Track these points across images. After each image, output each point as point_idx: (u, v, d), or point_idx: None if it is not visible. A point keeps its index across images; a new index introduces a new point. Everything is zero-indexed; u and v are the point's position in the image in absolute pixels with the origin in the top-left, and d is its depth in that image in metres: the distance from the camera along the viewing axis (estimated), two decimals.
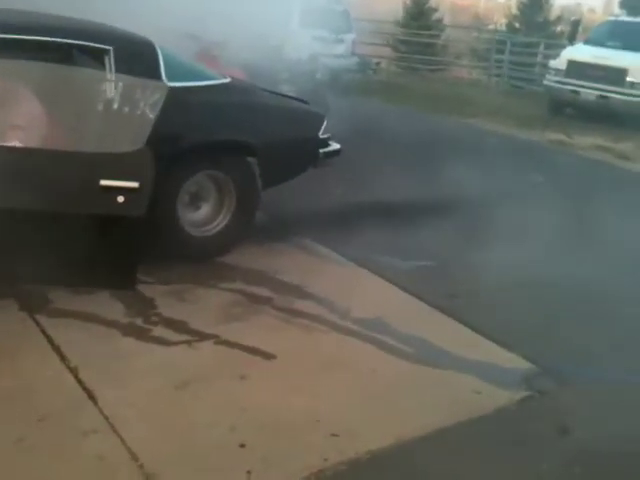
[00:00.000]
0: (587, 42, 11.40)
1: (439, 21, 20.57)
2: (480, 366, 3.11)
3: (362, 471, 2.36)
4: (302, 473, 2.28)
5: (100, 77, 2.98)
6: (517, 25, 19.15)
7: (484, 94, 14.19)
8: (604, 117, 10.17)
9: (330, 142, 4.45)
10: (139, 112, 2.85)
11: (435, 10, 20.76)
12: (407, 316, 3.55)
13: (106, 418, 2.46)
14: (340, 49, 12.55)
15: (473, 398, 2.86)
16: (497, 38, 16.71)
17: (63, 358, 2.81)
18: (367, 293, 3.81)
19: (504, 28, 19.88)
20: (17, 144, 2.77)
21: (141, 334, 3.10)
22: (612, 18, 12.12)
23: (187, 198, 3.90)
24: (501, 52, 15.65)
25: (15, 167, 2.62)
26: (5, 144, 2.72)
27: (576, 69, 10.80)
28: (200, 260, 3.89)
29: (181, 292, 3.55)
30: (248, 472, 2.27)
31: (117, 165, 2.69)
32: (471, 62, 18.94)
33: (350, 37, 13.08)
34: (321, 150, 4.35)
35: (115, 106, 2.90)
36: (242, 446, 2.40)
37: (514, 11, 19.70)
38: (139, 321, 3.21)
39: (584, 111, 10.85)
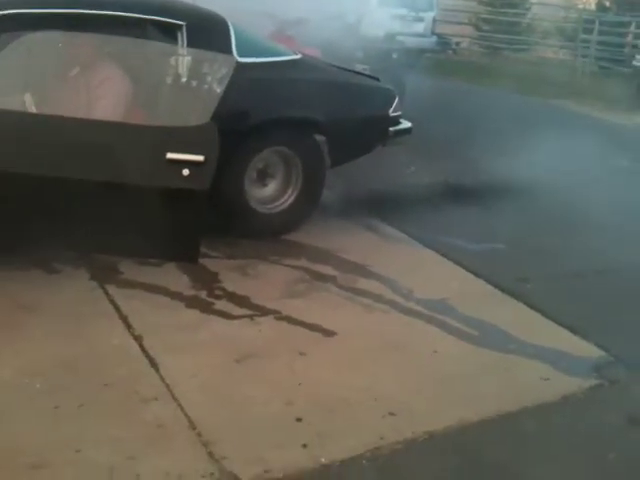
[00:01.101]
0: None
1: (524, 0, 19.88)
2: (548, 352, 2.99)
3: (419, 451, 2.31)
4: (358, 450, 2.26)
5: (170, 51, 3.01)
6: (607, 4, 18.24)
7: (570, 75, 13.64)
8: None
9: (401, 120, 4.37)
10: (206, 86, 2.87)
11: None
12: (473, 299, 3.45)
13: (167, 386, 2.51)
14: (419, 28, 12.30)
15: (540, 384, 2.75)
16: (585, 17, 15.91)
17: (129, 327, 2.89)
18: (432, 274, 3.74)
19: (593, 7, 18.99)
20: (90, 117, 2.85)
21: (205, 307, 3.15)
22: None
23: (254, 174, 3.92)
24: (589, 32, 14.94)
25: (87, 139, 2.70)
26: (78, 116, 2.80)
27: None
28: (265, 237, 3.90)
29: (245, 267, 3.58)
30: (304, 445, 2.26)
31: (183, 138, 2.72)
32: (557, 42, 18.15)
33: (430, 15, 12.78)
34: (391, 128, 4.28)
35: (183, 80, 2.93)
36: (298, 420, 2.40)
37: None
38: (203, 294, 3.26)
39: None
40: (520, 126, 7.27)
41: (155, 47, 3.05)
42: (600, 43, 14.65)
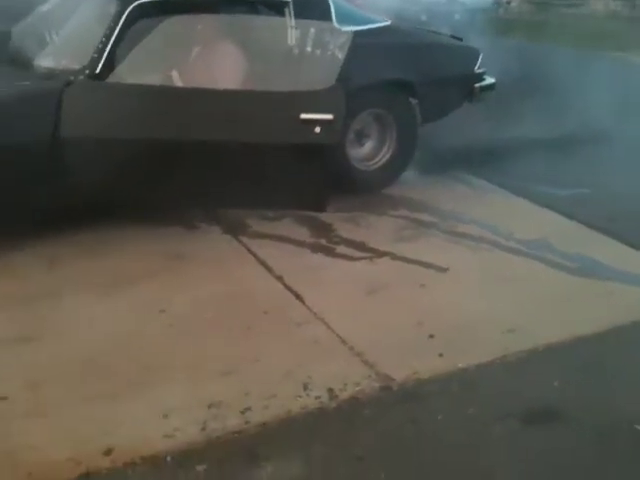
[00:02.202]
0: None
1: None
2: None
3: (541, 359, 2.67)
4: (488, 357, 2.64)
5: (293, 25, 3.38)
6: None
7: (627, 27, 13.44)
8: None
9: (485, 77, 4.65)
10: (330, 54, 3.24)
11: None
12: (568, 237, 3.75)
13: (314, 313, 2.93)
14: None
15: (639, 306, 3.07)
16: None
17: (269, 269, 3.31)
18: (527, 217, 4.05)
19: None
20: (232, 87, 3.26)
21: (328, 251, 3.55)
22: None
23: (353, 135, 4.28)
24: None
25: (231, 106, 3.11)
26: (222, 88, 3.21)
27: None
28: (366, 192, 4.26)
29: (354, 218, 3.95)
30: (440, 355, 2.65)
31: (314, 100, 3.10)
32: None
33: None
34: (477, 85, 4.57)
35: (310, 49, 3.30)
36: (431, 336, 2.78)
37: None
38: (323, 241, 3.66)
39: None
40: (587, 81, 7.40)
41: (280, 22, 3.42)
42: None
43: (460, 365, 2.59)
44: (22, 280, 3.15)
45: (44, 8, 3.89)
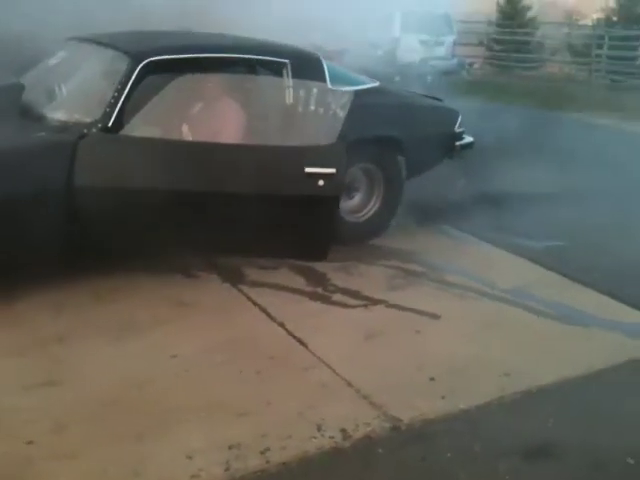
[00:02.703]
0: None
1: (532, 19, 20.64)
2: (623, 327, 3.52)
3: (535, 400, 2.85)
4: (486, 398, 2.81)
5: (302, 85, 3.62)
6: (615, 18, 18.93)
7: (584, 89, 14.23)
8: None
9: (464, 135, 4.95)
10: (332, 112, 3.47)
11: (529, 8, 20.82)
12: (548, 287, 4.00)
13: (318, 358, 3.07)
14: (440, 51, 13.00)
15: (620, 350, 3.29)
16: (596, 33, 16.58)
17: (270, 316, 3.45)
18: (508, 268, 4.29)
19: (594, 22, 19.68)
20: (239, 142, 3.45)
21: (325, 299, 3.71)
22: None
23: None
24: (599, 47, 15.60)
25: (238, 159, 3.30)
26: (228, 142, 3.40)
27: None
28: (355, 242, 4.45)
29: (347, 268, 4.13)
30: (442, 397, 2.81)
31: (318, 155, 3.31)
32: (567, 58, 18.79)
33: (450, 39, 13.49)
34: (457, 143, 4.87)
35: (314, 108, 3.53)
36: (432, 379, 2.95)
37: (611, 4, 19.48)
38: (320, 289, 3.82)
39: None
40: (550, 139, 7.88)
41: (285, 82, 3.65)
42: (610, 57, 15.30)
43: (462, 406, 2.76)
44: (31, 327, 3.21)
45: (52, 61, 4.05)
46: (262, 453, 2.41)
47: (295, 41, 5.90)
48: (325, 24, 9.14)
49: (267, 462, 2.38)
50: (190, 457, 2.37)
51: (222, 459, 2.37)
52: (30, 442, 2.40)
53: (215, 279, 3.86)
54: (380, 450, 2.48)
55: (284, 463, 2.38)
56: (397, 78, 8.63)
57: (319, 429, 2.56)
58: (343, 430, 2.56)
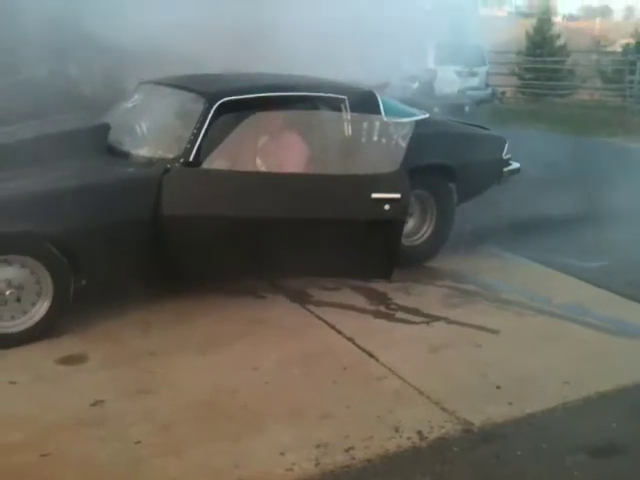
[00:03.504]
0: None
1: (562, 47, 20.91)
2: None
3: (596, 405, 3.03)
4: (550, 404, 3.00)
5: (363, 119, 3.93)
6: None
7: (618, 115, 14.34)
8: None
9: (511, 162, 5.19)
10: (394, 142, 3.75)
11: (558, 37, 21.12)
12: (600, 303, 4.18)
13: (389, 369, 3.30)
14: (475, 81, 13.29)
15: None
16: (628, 59, 16.73)
17: (339, 332, 3.69)
18: (560, 286, 4.48)
19: (623, 48, 19.84)
20: (309, 171, 3.76)
21: (388, 316, 3.95)
22: None
23: None
24: (632, 72, 15.73)
25: (310, 187, 3.59)
26: (299, 172, 3.71)
27: None
28: (410, 264, 4.69)
29: (405, 288, 4.36)
30: (509, 403, 3.01)
31: (383, 182, 3.59)
32: (598, 85, 18.93)
33: (484, 69, 13.78)
34: (504, 169, 5.11)
35: (378, 139, 3.82)
36: (498, 387, 3.15)
37: None
38: (382, 308, 4.06)
39: None
40: (589, 163, 8.04)
41: (349, 117, 3.97)
42: None
43: (528, 411, 2.96)
44: (122, 343, 3.51)
45: (129, 103, 4.42)
46: (347, 451, 2.65)
47: (335, 76, 6.27)
48: (362, 59, 9.54)
49: (352, 459, 2.60)
50: (282, 454, 2.62)
51: (312, 455, 2.61)
52: (138, 442, 2.67)
53: (282, 299, 4.13)
54: (455, 449, 2.69)
55: (368, 460, 2.61)
56: (436, 109, 8.89)
57: (397, 430, 2.79)
58: (419, 432, 2.78)
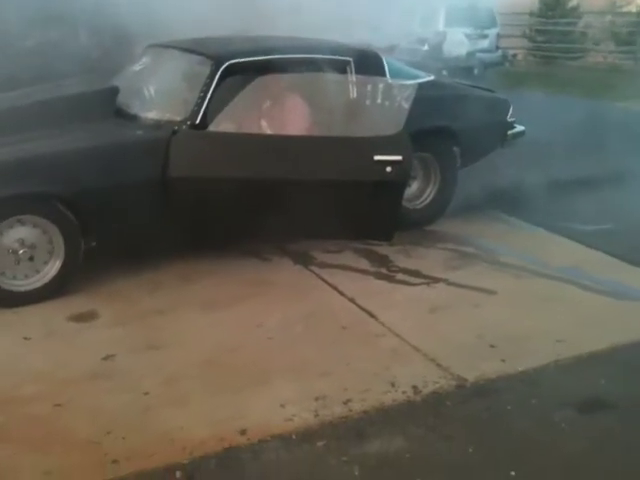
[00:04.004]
0: None
1: (574, 8, 20.55)
2: None
3: (588, 363, 3.14)
4: (543, 362, 3.11)
5: (367, 81, 3.97)
6: None
7: (630, 78, 14.16)
8: None
9: (515, 125, 5.22)
10: (396, 104, 3.80)
11: None
12: (598, 265, 4.26)
13: (388, 328, 3.41)
14: (485, 44, 13.17)
15: None
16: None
17: (341, 293, 3.80)
18: (560, 249, 4.56)
19: (639, 9, 19.46)
20: (312, 134, 3.82)
21: (389, 278, 4.05)
22: None
23: None
24: None
25: (314, 149, 3.67)
26: (303, 134, 3.78)
27: None
28: (414, 228, 4.77)
29: (407, 251, 4.46)
30: (502, 360, 3.13)
31: (386, 144, 3.65)
32: (611, 47, 18.63)
33: (494, 32, 13.64)
34: (509, 132, 5.14)
35: (381, 102, 3.87)
36: (492, 346, 3.26)
37: None
38: (384, 270, 4.16)
39: None
40: (598, 127, 8.01)
41: (354, 79, 4.01)
42: None
43: (520, 368, 3.07)
44: (131, 301, 3.64)
45: (137, 67, 4.48)
46: (345, 403, 2.77)
47: (343, 39, 6.27)
48: (371, 21, 9.47)
49: (350, 410, 2.73)
50: (283, 406, 2.75)
51: (311, 407, 2.74)
52: (146, 393, 2.81)
53: (287, 261, 4.23)
54: (448, 403, 2.82)
55: (365, 411, 2.73)
56: (445, 72, 8.86)
57: (393, 385, 2.91)
58: (414, 387, 2.90)
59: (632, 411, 2.80)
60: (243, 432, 2.58)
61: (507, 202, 5.26)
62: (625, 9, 23.53)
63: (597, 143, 6.80)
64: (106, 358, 3.05)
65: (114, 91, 4.04)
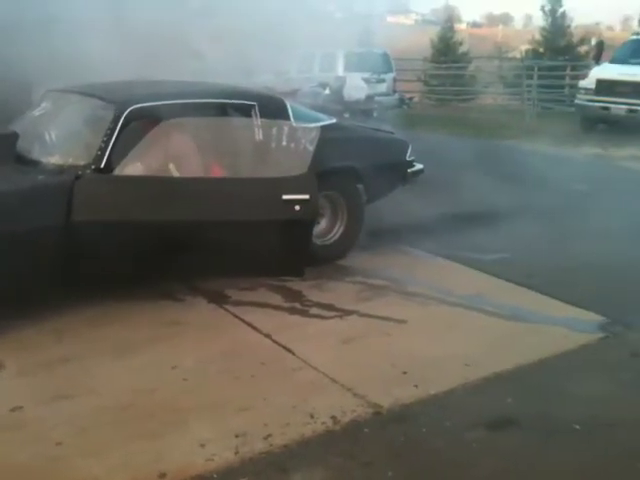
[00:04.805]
0: (613, 61, 12.43)
1: (465, 54, 21.89)
2: (564, 320, 4.03)
3: (494, 383, 3.30)
4: (452, 385, 3.25)
5: (269, 124, 4.07)
6: (541, 50, 20.27)
7: (517, 118, 15.14)
8: (635, 130, 11.05)
9: (414, 163, 5.49)
10: (302, 146, 3.92)
11: (460, 44, 22.09)
12: (498, 292, 4.50)
13: (304, 361, 3.46)
14: (382, 88, 13.71)
15: (563, 340, 3.79)
16: (525, 64, 17.68)
17: (256, 330, 3.83)
18: (461, 278, 4.78)
19: (524, 54, 21.00)
20: (221, 175, 3.87)
21: (303, 312, 4.11)
22: (635, 37, 13.09)
23: None
24: (529, 77, 16.65)
25: (222, 190, 3.71)
26: (211, 176, 3.82)
27: (605, 87, 11.79)
28: (325, 263, 4.88)
29: (319, 285, 4.54)
30: (415, 385, 3.24)
31: (293, 184, 3.75)
32: (500, 90, 19.88)
33: (391, 76, 14.27)
34: (409, 170, 5.39)
35: (287, 144, 3.98)
36: (405, 373, 3.37)
37: (537, 37, 20.87)
38: (297, 304, 4.22)
39: (616, 125, 11.78)
40: (488, 164, 8.50)
41: (259, 123, 4.11)
42: (541, 86, 16.35)
43: (432, 392, 3.19)
44: (36, 350, 3.51)
45: (37, 111, 4.40)
46: (265, 439, 2.79)
47: (243, 84, 6.42)
48: (272, 66, 9.74)
49: (270, 445, 2.75)
50: (203, 445, 2.73)
51: (231, 445, 2.73)
52: (59, 443, 2.72)
53: (200, 301, 4.22)
54: (366, 430, 2.88)
55: (285, 445, 2.76)
56: (346, 115, 9.19)
57: (312, 417, 2.95)
58: (333, 417, 2.96)
59: (536, 427, 2.97)
60: (162, 476, 2.54)
61: (411, 235, 5.48)
62: (511, 54, 25.40)
63: (491, 179, 7.23)
64: (14, 409, 2.93)
65: (13, 136, 3.95)
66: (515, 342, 3.77)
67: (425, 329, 3.91)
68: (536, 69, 16.57)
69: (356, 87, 10.00)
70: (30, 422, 2.86)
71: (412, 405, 3.08)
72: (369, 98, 10.13)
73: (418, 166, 5.52)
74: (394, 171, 5.31)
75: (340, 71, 13.22)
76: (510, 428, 2.96)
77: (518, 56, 22.80)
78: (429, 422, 2.96)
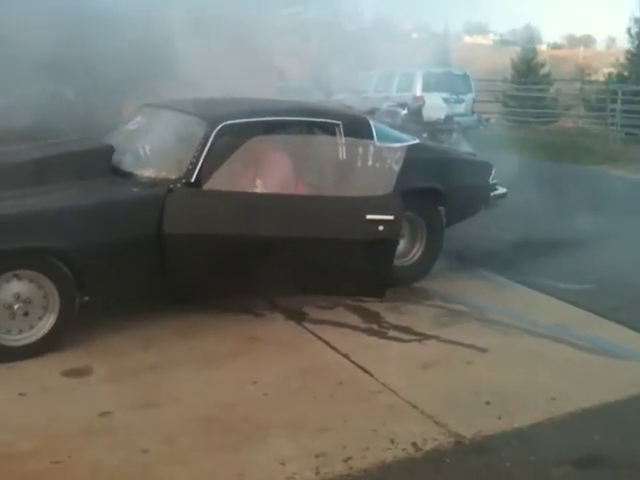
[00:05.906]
0: None
1: (546, 75, 21.45)
2: None
3: (580, 420, 3.18)
4: (538, 419, 3.15)
5: (355, 144, 4.10)
6: (625, 73, 19.64)
7: (601, 143, 14.69)
8: None
9: (497, 187, 5.39)
10: (387, 166, 3.93)
11: (542, 65, 21.67)
12: (584, 323, 4.35)
13: (383, 384, 3.43)
14: (461, 108, 13.59)
15: None
16: (610, 88, 17.17)
17: (334, 349, 3.83)
18: (545, 307, 4.65)
19: (607, 77, 20.40)
20: (306, 193, 3.93)
21: (381, 334, 4.09)
22: None
23: None
24: (613, 101, 16.15)
25: (308, 208, 3.76)
26: (296, 193, 3.88)
27: None
28: (402, 285, 4.85)
29: (397, 307, 4.51)
30: (499, 417, 3.15)
31: (377, 204, 3.76)
32: (581, 113, 19.35)
33: (470, 97, 14.12)
34: (492, 193, 5.30)
35: (372, 164, 4.00)
36: (487, 403, 3.29)
37: (621, 60, 20.25)
38: (375, 326, 4.20)
39: None
40: (572, 189, 8.29)
41: (343, 141, 4.15)
42: (625, 111, 15.82)
43: (516, 425, 3.10)
44: (124, 357, 3.62)
45: (131, 125, 4.57)
46: (345, 461, 2.77)
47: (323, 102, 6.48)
48: (350, 85, 9.82)
49: (350, 468, 2.73)
50: (283, 464, 2.74)
51: (311, 465, 2.73)
52: (146, 450, 2.78)
53: (279, 317, 4.26)
54: (447, 460, 2.83)
55: (365, 470, 2.73)
56: (425, 134, 9.13)
57: (392, 442, 2.92)
58: (414, 444, 2.91)
59: (626, 466, 2.84)
60: None
61: (491, 260, 5.38)
62: (593, 77, 24.75)
63: (576, 205, 7.03)
64: (102, 414, 3.02)
65: (110, 150, 4.12)
66: (603, 377, 3.63)
67: (507, 359, 3.81)
68: (620, 93, 16.06)
69: (436, 107, 9.93)
70: (118, 428, 2.94)
71: (495, 437, 3.01)
72: (448, 118, 10.04)
73: (501, 189, 5.42)
74: (477, 194, 5.24)
75: (418, 91, 13.19)
76: (598, 466, 2.84)
77: (600, 79, 22.22)
78: (513, 456, 2.88)
